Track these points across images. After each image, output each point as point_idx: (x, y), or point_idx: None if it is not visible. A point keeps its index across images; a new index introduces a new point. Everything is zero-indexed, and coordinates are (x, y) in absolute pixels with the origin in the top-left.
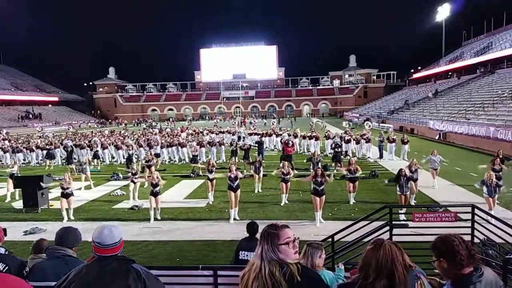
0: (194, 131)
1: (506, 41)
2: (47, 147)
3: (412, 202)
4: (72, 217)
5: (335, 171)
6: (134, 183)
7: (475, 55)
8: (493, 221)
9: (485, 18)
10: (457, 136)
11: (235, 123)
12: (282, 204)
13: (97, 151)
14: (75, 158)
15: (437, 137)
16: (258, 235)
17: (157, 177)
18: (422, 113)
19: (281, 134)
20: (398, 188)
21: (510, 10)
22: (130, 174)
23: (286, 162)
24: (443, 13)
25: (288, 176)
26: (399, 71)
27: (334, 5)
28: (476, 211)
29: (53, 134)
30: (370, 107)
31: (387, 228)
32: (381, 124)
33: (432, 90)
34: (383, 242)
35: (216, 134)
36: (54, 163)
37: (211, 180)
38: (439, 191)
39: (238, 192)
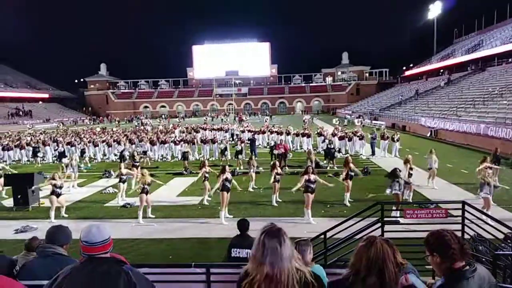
0: (186, 128)
1: (497, 39)
2: (33, 145)
3: (407, 198)
4: (65, 215)
5: (328, 168)
6: (123, 182)
7: (466, 52)
8: (484, 217)
9: (476, 16)
10: (448, 133)
11: (227, 120)
12: (273, 204)
13: (83, 148)
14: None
15: (428, 134)
16: (250, 232)
17: (151, 180)
18: (414, 110)
19: (274, 132)
20: (397, 187)
21: (500, 8)
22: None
23: (277, 163)
24: (434, 11)
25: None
26: (391, 68)
27: (326, 2)
28: (467, 207)
29: (43, 130)
30: (362, 104)
31: (379, 225)
32: (373, 121)
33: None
34: (375, 240)
35: (210, 131)
36: (44, 160)
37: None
38: (430, 187)
39: (229, 193)
